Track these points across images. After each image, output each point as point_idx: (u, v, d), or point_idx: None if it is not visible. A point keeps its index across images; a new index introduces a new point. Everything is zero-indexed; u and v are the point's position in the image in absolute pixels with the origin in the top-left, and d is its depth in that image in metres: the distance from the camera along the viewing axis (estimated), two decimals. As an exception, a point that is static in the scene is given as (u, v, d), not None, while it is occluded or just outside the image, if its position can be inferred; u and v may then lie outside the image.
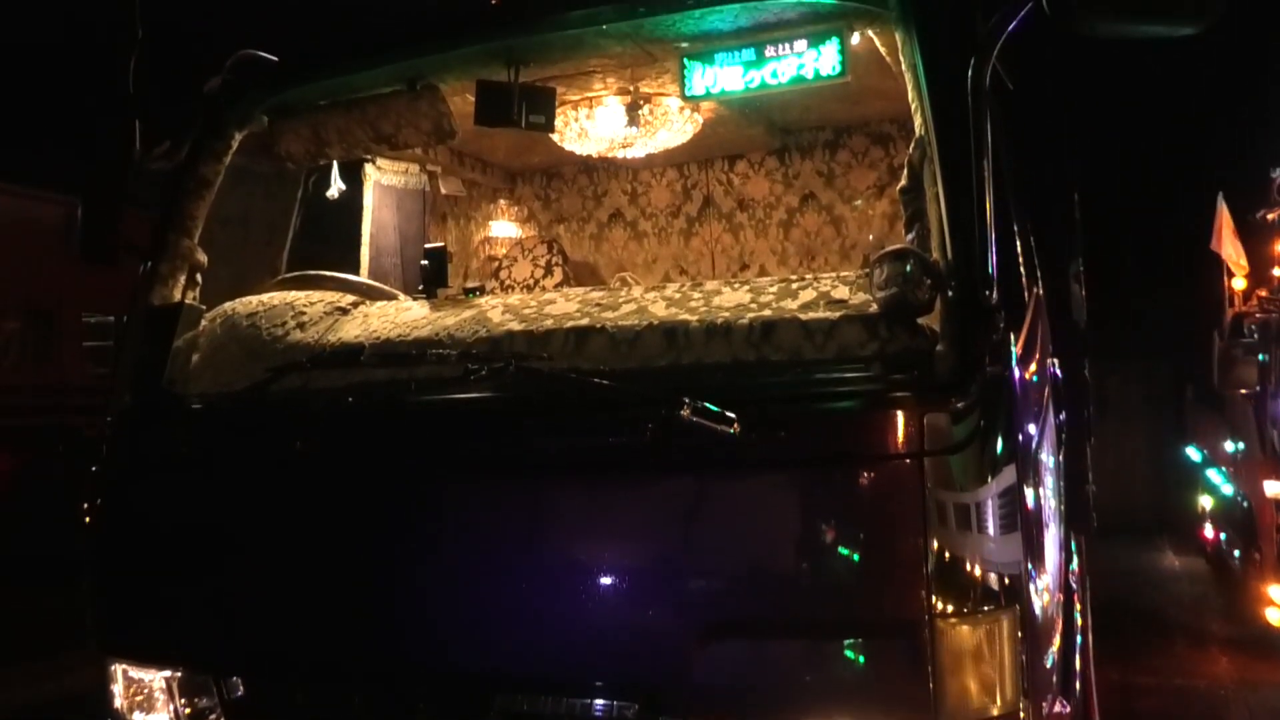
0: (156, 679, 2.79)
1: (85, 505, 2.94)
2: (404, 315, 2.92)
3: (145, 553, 2.86)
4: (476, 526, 2.47)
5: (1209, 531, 8.93)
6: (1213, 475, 8.76)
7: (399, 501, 2.56)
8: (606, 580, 2.34)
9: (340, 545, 2.60)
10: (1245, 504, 7.57)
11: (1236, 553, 7.87)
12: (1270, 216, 8.26)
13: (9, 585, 8.35)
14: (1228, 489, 8.25)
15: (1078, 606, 3.23)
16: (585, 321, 2.55)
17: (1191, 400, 10.07)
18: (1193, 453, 9.76)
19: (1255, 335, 7.73)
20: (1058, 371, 3.25)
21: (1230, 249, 9.08)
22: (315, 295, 3.14)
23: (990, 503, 2.14)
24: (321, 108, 3.31)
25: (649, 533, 2.32)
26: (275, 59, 3.24)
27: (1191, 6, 2.05)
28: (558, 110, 3.74)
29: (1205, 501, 9.06)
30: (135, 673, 2.83)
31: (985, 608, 2.13)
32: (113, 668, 2.86)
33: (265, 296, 3.14)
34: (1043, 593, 2.34)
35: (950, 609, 2.09)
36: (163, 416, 2.93)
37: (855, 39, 3.09)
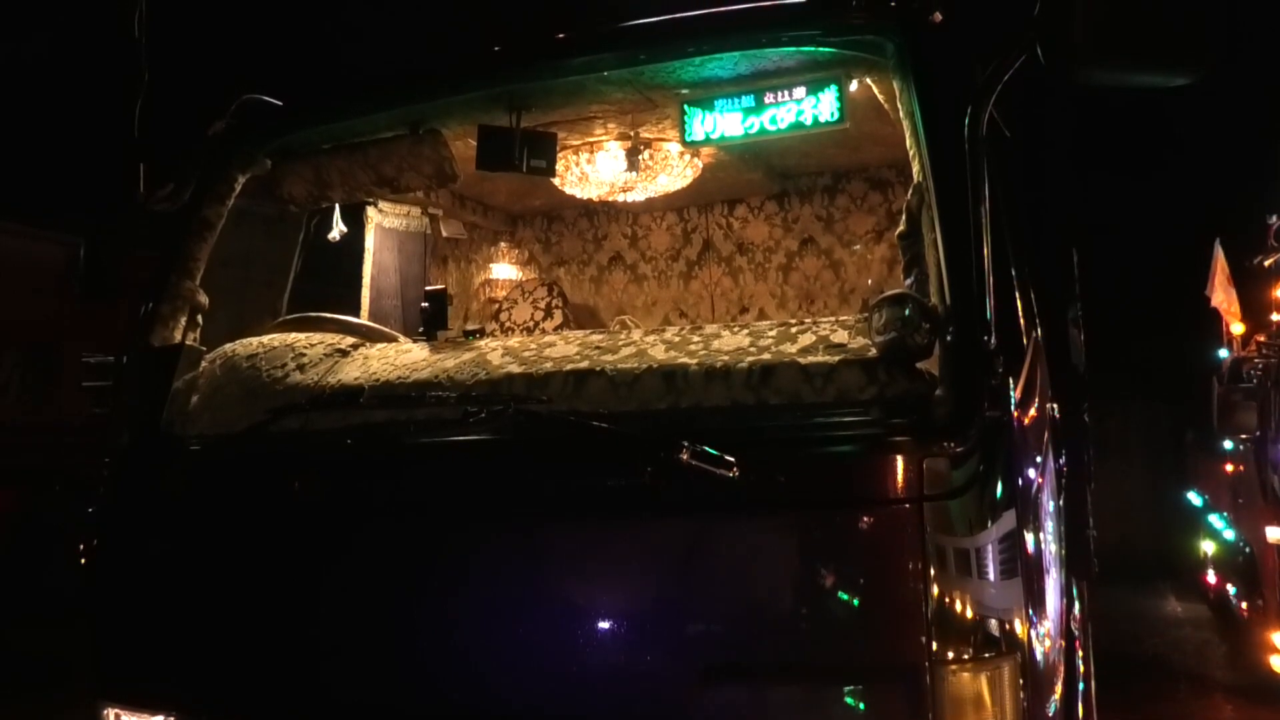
0: (148, 725, 2.76)
1: (82, 546, 2.92)
2: (404, 357, 2.92)
3: (141, 596, 2.84)
4: (474, 569, 2.45)
5: (1212, 577, 8.86)
6: (1214, 520, 8.72)
7: (398, 545, 2.54)
8: (604, 624, 2.32)
9: (338, 589, 2.58)
10: (1247, 550, 7.52)
11: (1239, 598, 7.80)
12: (1267, 263, 8.29)
13: (2, 624, 8.28)
14: (1229, 534, 8.20)
15: (1080, 653, 3.20)
16: (585, 364, 2.56)
17: (1192, 444, 10.04)
18: (1194, 498, 9.72)
19: (1254, 380, 7.73)
20: (1057, 415, 3.25)
21: (1222, 296, 9.11)
22: (315, 337, 3.15)
23: (990, 548, 2.13)
24: (324, 151, 3.34)
25: (647, 576, 2.31)
26: (279, 103, 3.27)
27: (1186, 57, 2.07)
28: (559, 155, 3.78)
29: (1207, 547, 9.00)
30: (128, 717, 2.80)
31: (986, 654, 2.11)
32: (105, 711, 2.83)
33: (265, 338, 3.15)
34: (1044, 639, 2.32)
35: (951, 655, 2.08)
36: (161, 458, 2.92)
37: (854, 86, 3.13)
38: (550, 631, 2.34)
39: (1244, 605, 7.62)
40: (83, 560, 2.93)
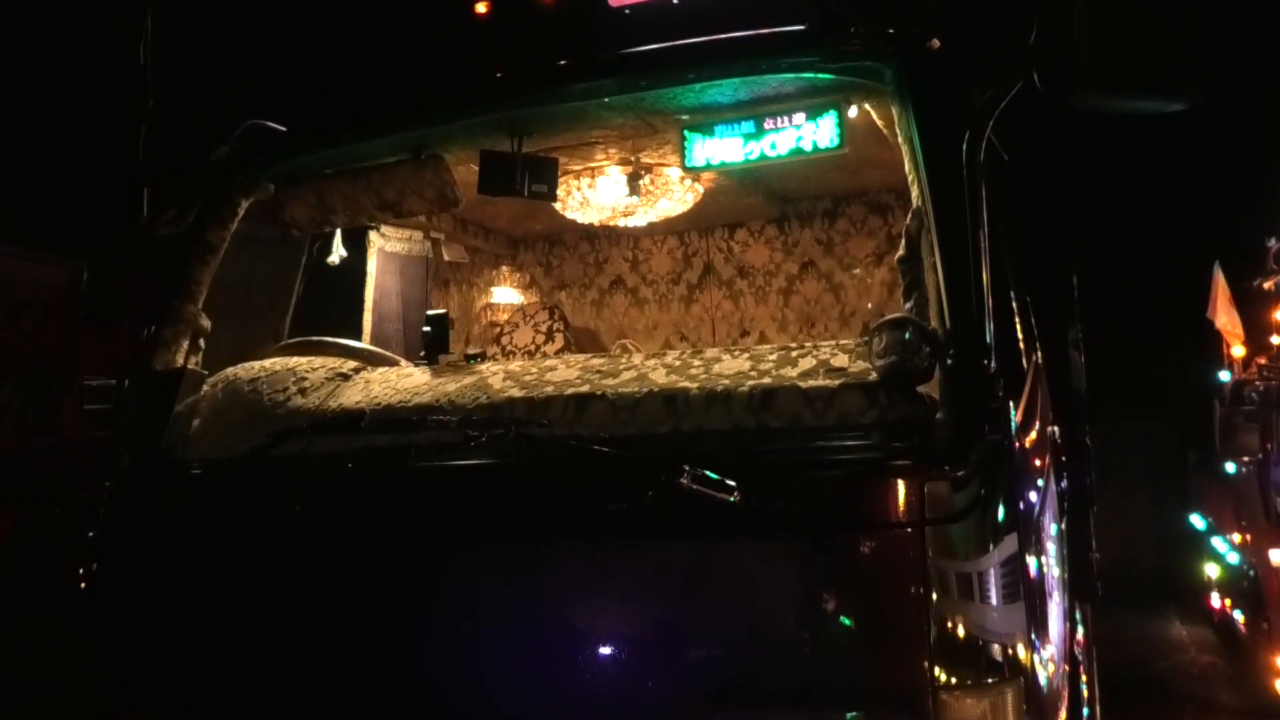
0: (149, 749, 2.74)
1: (82, 569, 2.91)
2: (405, 381, 2.93)
3: (141, 618, 2.83)
4: (475, 594, 2.45)
5: (1216, 600, 8.80)
6: (1218, 543, 8.68)
7: (399, 568, 2.54)
8: (605, 649, 2.31)
9: (340, 612, 2.57)
10: (1252, 573, 7.48)
11: (1244, 621, 7.75)
12: (1267, 285, 8.30)
13: (3, 647, 8.24)
14: (1233, 557, 8.16)
15: (1084, 677, 3.17)
16: (586, 388, 2.56)
17: (1194, 467, 10.01)
18: (1197, 520, 9.68)
19: (1256, 403, 7.72)
20: (1059, 438, 3.25)
21: (1225, 318, 9.10)
22: (317, 361, 3.16)
23: (993, 572, 2.13)
24: (327, 176, 3.36)
25: (648, 601, 2.30)
26: (283, 128, 3.29)
27: (1180, 83, 2.09)
28: (560, 180, 3.80)
29: (1211, 570, 8.95)
30: (126, 742, 2.78)
31: (989, 679, 2.10)
32: (103, 737, 2.81)
33: (267, 362, 3.15)
34: (1048, 663, 2.30)
35: (954, 680, 2.07)
36: (162, 481, 2.92)
37: (853, 112, 3.15)
38: (552, 656, 2.33)
39: (1249, 629, 7.58)
40: (82, 583, 2.92)
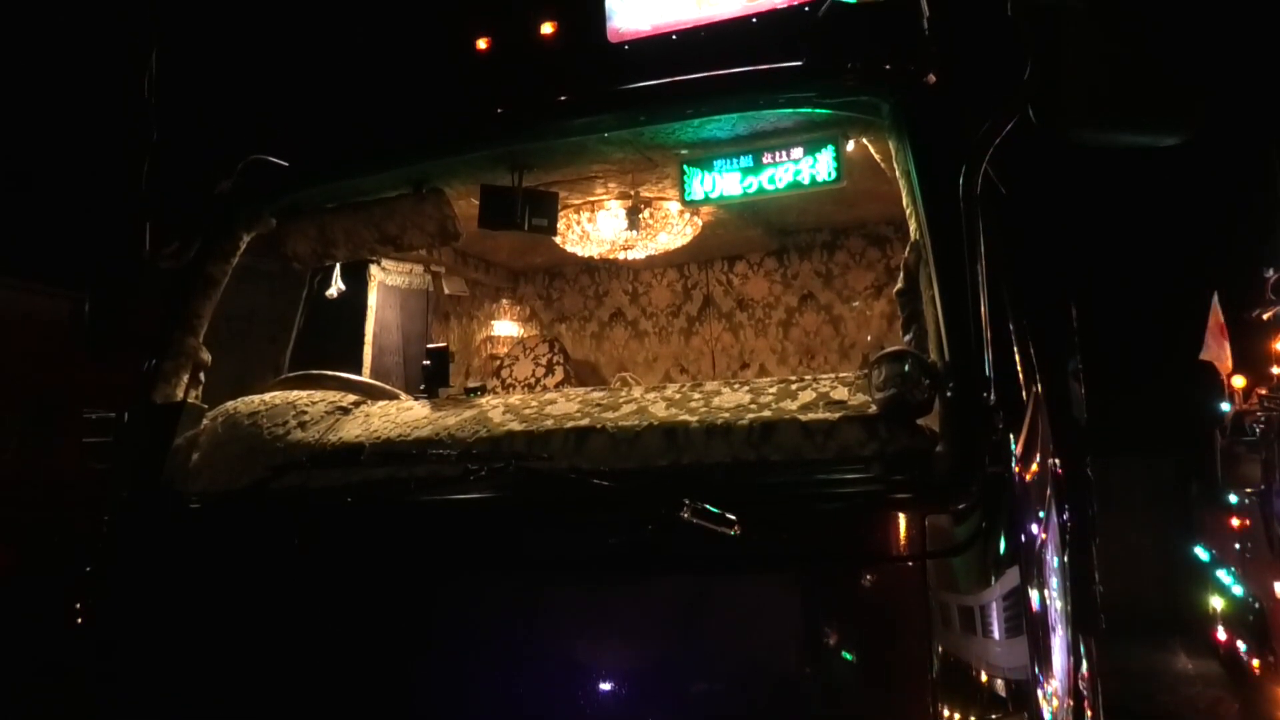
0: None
1: (79, 603, 2.90)
2: (405, 415, 2.92)
3: (140, 653, 2.81)
4: (475, 627, 2.43)
5: (1222, 633, 8.74)
6: (1222, 575, 8.63)
7: (399, 602, 2.52)
8: (604, 684, 2.30)
9: (339, 647, 2.55)
10: (1257, 605, 7.43)
11: (1250, 654, 7.69)
12: (1265, 316, 8.30)
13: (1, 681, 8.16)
14: (1238, 589, 8.11)
15: (1088, 712, 3.15)
16: (586, 421, 2.56)
17: (1197, 498, 9.97)
18: (1201, 552, 9.63)
19: (1257, 434, 7.70)
20: (1060, 470, 3.24)
21: (1215, 349, 9.09)
22: (317, 394, 3.16)
23: (995, 605, 2.12)
24: (329, 210, 3.38)
25: (648, 635, 2.29)
26: (285, 163, 3.32)
27: (1174, 117, 2.11)
28: (560, 213, 3.82)
29: (1216, 602, 8.89)
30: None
31: (993, 715, 2.08)
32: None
33: (267, 395, 3.16)
34: (1052, 698, 2.28)
35: (957, 716, 2.05)
36: (161, 514, 2.91)
37: (850, 146, 3.17)
38: (551, 690, 2.31)
39: (1255, 661, 7.51)
40: (79, 618, 2.90)
